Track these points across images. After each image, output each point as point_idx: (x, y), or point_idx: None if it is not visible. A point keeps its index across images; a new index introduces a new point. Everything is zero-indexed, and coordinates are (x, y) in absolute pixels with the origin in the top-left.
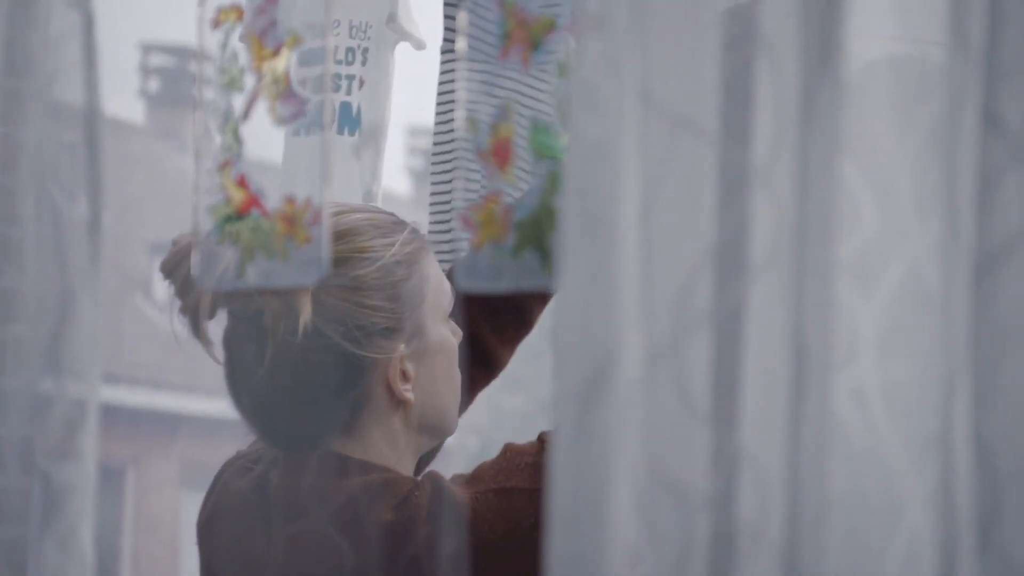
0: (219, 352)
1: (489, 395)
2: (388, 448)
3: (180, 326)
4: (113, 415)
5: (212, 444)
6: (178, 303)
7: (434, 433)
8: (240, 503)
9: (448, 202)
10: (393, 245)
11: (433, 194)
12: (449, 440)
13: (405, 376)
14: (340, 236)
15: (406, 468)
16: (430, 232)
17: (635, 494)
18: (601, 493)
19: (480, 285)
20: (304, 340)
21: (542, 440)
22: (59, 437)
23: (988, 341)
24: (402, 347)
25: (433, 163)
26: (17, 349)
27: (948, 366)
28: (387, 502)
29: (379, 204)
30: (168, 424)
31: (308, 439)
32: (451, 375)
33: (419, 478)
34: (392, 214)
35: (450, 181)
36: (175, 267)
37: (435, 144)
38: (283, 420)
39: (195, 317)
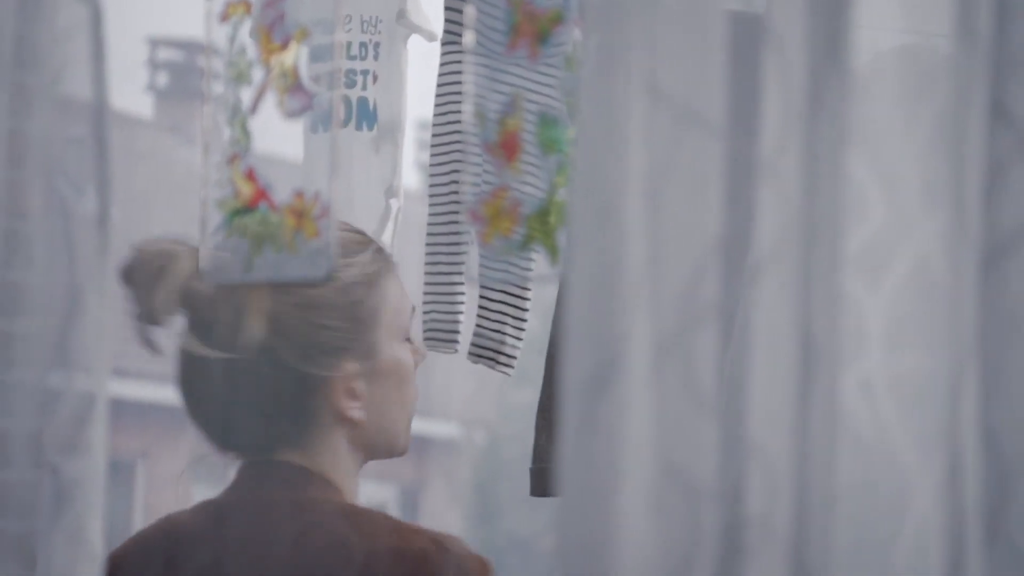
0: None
1: (497, 389)
2: (330, 464)
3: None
4: (122, 409)
5: None
6: (134, 309)
7: (382, 453)
8: (175, 527)
9: (447, 195)
10: (353, 266)
11: (432, 186)
12: (456, 434)
13: (354, 394)
14: None
15: (348, 484)
16: (429, 226)
17: (643, 486)
18: (609, 485)
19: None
20: (257, 354)
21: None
22: (68, 431)
23: (995, 333)
24: (352, 366)
25: (432, 156)
26: (25, 343)
27: (956, 358)
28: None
29: (399, 199)
30: (177, 418)
31: (259, 449)
32: (403, 396)
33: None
34: (361, 232)
35: (448, 174)
36: (132, 273)
37: (434, 137)
38: (234, 430)
39: (143, 324)
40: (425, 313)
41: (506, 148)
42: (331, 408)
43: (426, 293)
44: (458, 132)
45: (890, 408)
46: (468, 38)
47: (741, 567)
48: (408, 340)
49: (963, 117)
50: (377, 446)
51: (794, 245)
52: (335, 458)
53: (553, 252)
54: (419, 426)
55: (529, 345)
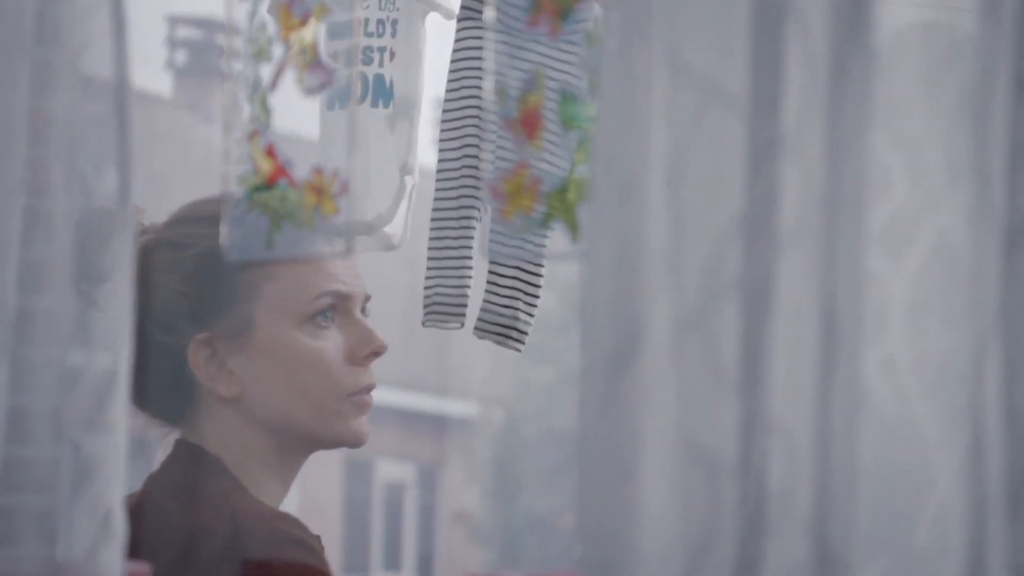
0: None
1: (515, 367)
2: (220, 441)
3: None
4: None
5: None
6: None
7: (295, 438)
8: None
9: (458, 169)
10: (216, 236)
11: (441, 160)
12: (474, 412)
13: (224, 368)
14: (174, 221)
15: (253, 464)
16: (436, 200)
17: (664, 463)
18: (630, 463)
19: (507, 255)
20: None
21: None
22: (89, 408)
23: (1019, 310)
24: (202, 335)
25: (443, 131)
26: (46, 320)
27: (979, 335)
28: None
29: (414, 176)
30: None
31: (167, 421)
32: (294, 380)
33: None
34: None
35: (460, 148)
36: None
37: (445, 112)
38: (141, 399)
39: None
40: (428, 288)
41: (526, 125)
42: (200, 380)
43: (429, 268)
44: (472, 108)
45: (913, 385)
46: (488, 14)
47: (762, 544)
48: (322, 326)
49: (987, 93)
50: (281, 429)
51: (816, 222)
52: (227, 435)
53: (573, 229)
54: (437, 405)
55: (547, 323)
